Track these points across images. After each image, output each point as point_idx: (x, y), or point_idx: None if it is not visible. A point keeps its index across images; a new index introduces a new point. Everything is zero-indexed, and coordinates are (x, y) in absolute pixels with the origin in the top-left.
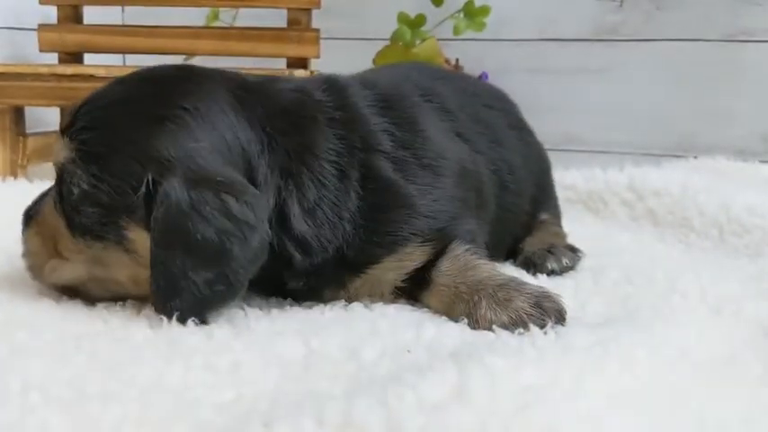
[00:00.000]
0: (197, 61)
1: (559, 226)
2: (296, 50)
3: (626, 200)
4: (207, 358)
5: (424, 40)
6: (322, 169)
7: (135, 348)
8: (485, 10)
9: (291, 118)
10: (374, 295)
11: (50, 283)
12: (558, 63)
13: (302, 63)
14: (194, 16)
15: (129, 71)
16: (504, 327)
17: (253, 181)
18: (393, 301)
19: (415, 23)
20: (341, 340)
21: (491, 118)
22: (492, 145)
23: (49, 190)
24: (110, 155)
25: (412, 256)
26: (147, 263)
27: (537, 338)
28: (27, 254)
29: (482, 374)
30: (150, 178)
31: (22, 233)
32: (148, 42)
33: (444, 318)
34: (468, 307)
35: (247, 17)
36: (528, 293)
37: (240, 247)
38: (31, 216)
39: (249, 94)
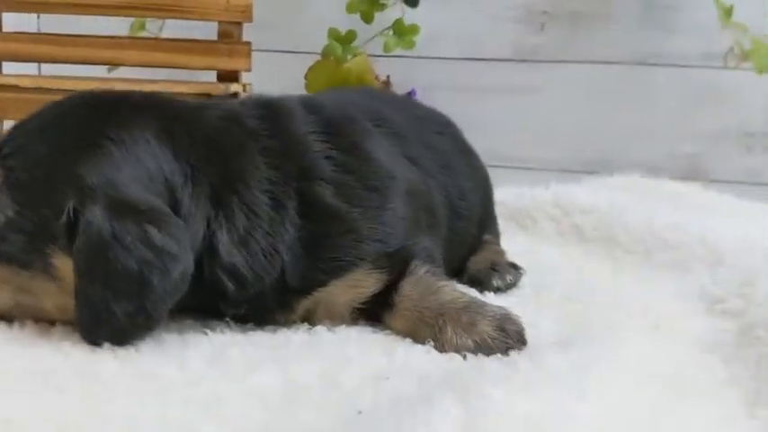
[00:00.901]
0: (122, 72)
1: (499, 244)
2: (227, 63)
3: (553, 215)
4: (183, 392)
5: (354, 55)
6: (254, 198)
7: (105, 383)
8: (414, 28)
9: (216, 147)
10: (332, 318)
11: None
12: (482, 82)
13: (233, 76)
14: (117, 27)
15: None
16: (470, 351)
17: (177, 212)
18: (353, 323)
19: (346, 39)
20: (315, 367)
21: (440, 143)
22: (443, 170)
23: None
24: (34, 182)
25: (364, 283)
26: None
27: (518, 364)
28: None
29: (485, 407)
30: (71, 206)
31: None
32: (71, 52)
33: (410, 340)
34: (433, 331)
35: (174, 29)
36: (491, 316)
37: (160, 278)
38: None
39: (176, 123)
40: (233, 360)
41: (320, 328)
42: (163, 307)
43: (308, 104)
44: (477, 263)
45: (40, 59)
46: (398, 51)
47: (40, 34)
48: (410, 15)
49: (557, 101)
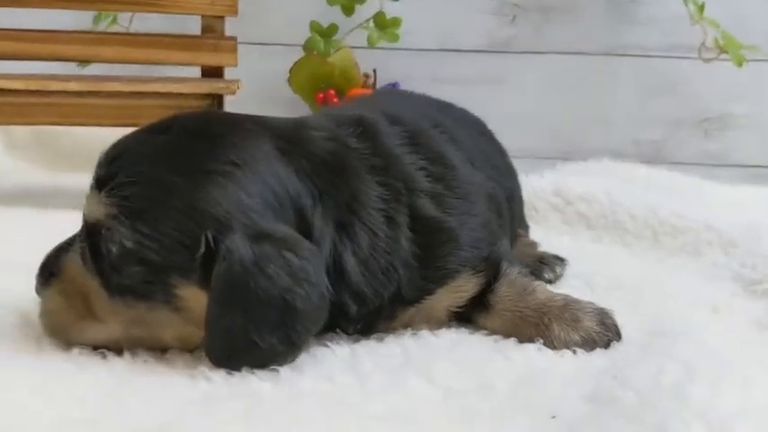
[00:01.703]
0: (94, 69)
1: (528, 237)
2: (212, 59)
3: (555, 205)
4: (361, 409)
5: (337, 49)
6: (371, 218)
7: (271, 403)
8: (396, 21)
9: (334, 169)
10: (429, 322)
11: (78, 343)
12: (457, 73)
13: (218, 72)
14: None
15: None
16: (578, 346)
17: (307, 235)
18: (447, 325)
19: (328, 33)
20: (454, 372)
21: (484, 144)
22: (493, 171)
23: (67, 244)
24: (158, 212)
25: (465, 287)
26: (199, 321)
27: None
28: (47, 314)
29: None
30: (210, 235)
31: (40, 292)
32: (41, 48)
33: (512, 340)
34: (539, 330)
35: (143, 23)
36: (590, 312)
37: (303, 306)
38: (52, 274)
39: (289, 145)
40: (373, 372)
41: (424, 333)
42: (306, 335)
43: (389, 117)
44: (519, 257)
45: (9, 57)
46: (380, 44)
47: (10, 30)
48: (387, 8)
49: (528, 90)
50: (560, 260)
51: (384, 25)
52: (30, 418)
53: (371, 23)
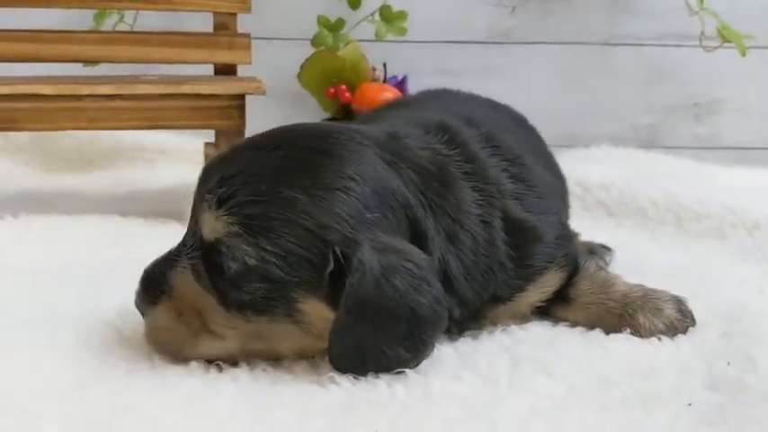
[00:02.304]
0: (102, 69)
1: None
2: (227, 56)
3: (575, 193)
4: (503, 409)
5: (346, 44)
6: (472, 224)
7: (416, 407)
8: (402, 14)
9: (438, 178)
10: (514, 317)
11: (191, 358)
12: (459, 64)
13: (231, 70)
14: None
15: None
16: (663, 334)
17: (421, 245)
18: (529, 320)
19: (335, 27)
20: (572, 366)
21: (537, 141)
22: (548, 168)
23: (169, 259)
24: (282, 229)
25: (550, 283)
26: (319, 334)
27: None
28: (157, 330)
29: None
30: (338, 251)
31: (145, 309)
32: (51, 49)
33: (598, 331)
34: (623, 320)
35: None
36: (669, 300)
37: (428, 314)
38: (161, 291)
39: (393, 156)
40: (492, 371)
41: (513, 328)
42: (431, 343)
43: (463, 120)
44: None
45: (20, 59)
46: (371, 36)
47: (23, 31)
48: (390, 1)
49: (529, 80)
50: (608, 249)
51: (390, 18)
52: None
53: (377, 17)
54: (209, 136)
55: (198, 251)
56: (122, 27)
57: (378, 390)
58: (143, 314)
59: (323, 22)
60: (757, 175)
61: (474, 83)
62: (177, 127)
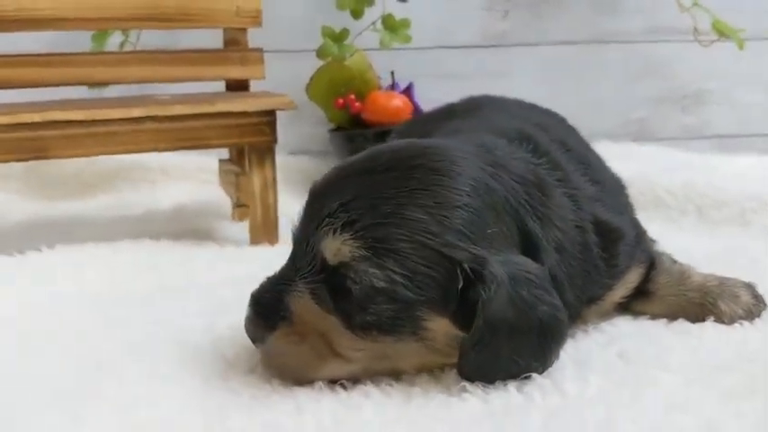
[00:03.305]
0: (114, 90)
1: None
2: (240, 72)
3: None
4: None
5: (352, 53)
6: (571, 230)
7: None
8: (405, 22)
9: (539, 187)
10: (602, 315)
11: (314, 381)
12: (457, 69)
13: (244, 85)
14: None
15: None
16: (742, 319)
17: (533, 256)
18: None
19: (340, 37)
20: (675, 360)
21: (585, 141)
22: (605, 165)
23: (280, 284)
24: (409, 250)
25: (632, 279)
26: (441, 349)
27: None
28: (278, 355)
29: None
30: (468, 267)
31: (263, 335)
32: (61, 73)
33: (682, 321)
34: (705, 309)
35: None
36: (743, 287)
37: (554, 324)
38: (281, 317)
39: (495, 169)
40: (610, 371)
41: (603, 326)
42: (557, 351)
43: (536, 125)
44: None
45: (33, 84)
46: (371, 44)
47: (31, 55)
48: (389, 9)
49: (524, 81)
50: (652, 240)
51: (394, 27)
52: None
53: (379, 25)
54: (212, 154)
55: (318, 275)
56: (126, 46)
57: (513, 396)
58: (256, 340)
59: (327, 33)
60: (753, 161)
61: (472, 86)
62: (210, 146)
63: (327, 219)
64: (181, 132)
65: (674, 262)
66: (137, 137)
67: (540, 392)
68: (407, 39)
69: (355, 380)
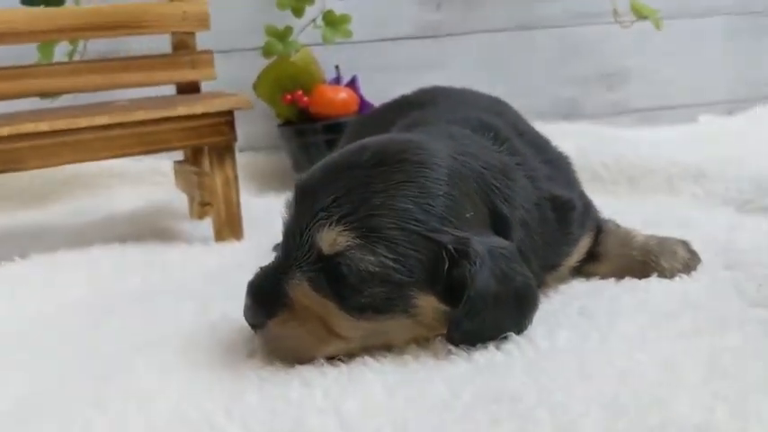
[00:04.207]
0: (66, 100)
1: None
2: (192, 75)
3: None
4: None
5: (297, 50)
6: (533, 209)
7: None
8: (345, 18)
9: (503, 172)
10: (560, 280)
11: (315, 359)
12: (392, 61)
13: (194, 87)
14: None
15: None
16: (681, 272)
17: (503, 234)
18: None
19: (284, 35)
20: (637, 310)
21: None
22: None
23: (277, 273)
24: (400, 237)
25: (585, 244)
26: (428, 323)
27: None
28: (280, 339)
29: None
30: (452, 248)
31: (263, 321)
32: (15, 86)
33: (629, 279)
34: (648, 266)
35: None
36: (679, 244)
37: (529, 294)
38: (282, 303)
39: (465, 158)
40: (577, 324)
41: (563, 288)
42: (531, 318)
43: (494, 114)
44: None
45: None
46: (312, 40)
47: None
48: (320, 5)
49: (460, 70)
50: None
51: (335, 22)
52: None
53: (320, 21)
54: (164, 157)
55: (314, 264)
56: (75, 56)
57: (494, 354)
58: (256, 326)
59: (271, 31)
60: (674, 132)
61: (409, 78)
62: (173, 148)
63: (321, 212)
64: (146, 137)
65: (618, 226)
66: (105, 143)
67: (518, 349)
68: (348, 33)
69: (351, 355)
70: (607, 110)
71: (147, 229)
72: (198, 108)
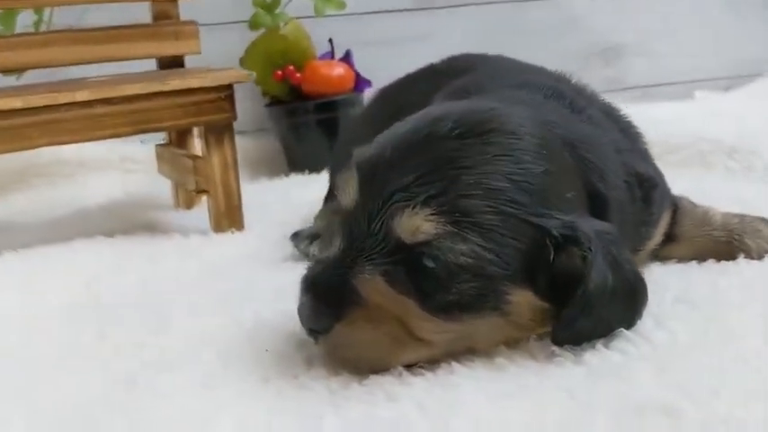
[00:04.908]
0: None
1: None
2: (175, 48)
3: None
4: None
5: (286, 22)
6: (623, 187)
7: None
8: None
9: (593, 147)
10: (641, 264)
11: (393, 367)
12: (384, 34)
13: (178, 62)
14: None
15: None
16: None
17: (600, 216)
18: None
19: (272, 6)
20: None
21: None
22: None
23: (342, 267)
24: (496, 223)
25: (664, 224)
26: (523, 323)
27: None
28: (348, 346)
29: None
30: (558, 234)
31: (329, 324)
32: None
33: (712, 262)
34: (732, 246)
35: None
36: (760, 220)
37: (642, 284)
38: (353, 302)
39: (554, 130)
40: (678, 315)
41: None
42: (642, 312)
43: (573, 89)
44: None
45: None
46: (299, 12)
47: None
48: None
49: (453, 43)
50: None
51: None
52: None
53: None
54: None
55: (390, 256)
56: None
57: (605, 354)
58: (320, 330)
59: (258, 2)
60: (694, 107)
61: (401, 50)
62: (167, 128)
63: (399, 194)
64: (135, 115)
65: (694, 205)
66: (87, 123)
67: (634, 346)
68: (341, 5)
69: (433, 361)
70: (603, 85)
71: (130, 221)
72: (193, 82)
